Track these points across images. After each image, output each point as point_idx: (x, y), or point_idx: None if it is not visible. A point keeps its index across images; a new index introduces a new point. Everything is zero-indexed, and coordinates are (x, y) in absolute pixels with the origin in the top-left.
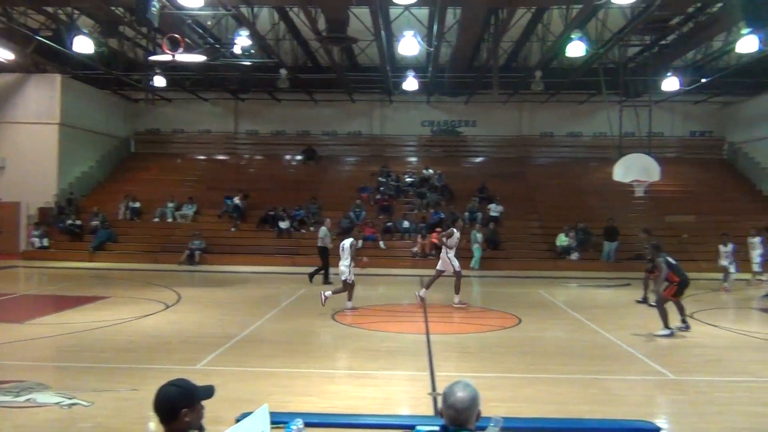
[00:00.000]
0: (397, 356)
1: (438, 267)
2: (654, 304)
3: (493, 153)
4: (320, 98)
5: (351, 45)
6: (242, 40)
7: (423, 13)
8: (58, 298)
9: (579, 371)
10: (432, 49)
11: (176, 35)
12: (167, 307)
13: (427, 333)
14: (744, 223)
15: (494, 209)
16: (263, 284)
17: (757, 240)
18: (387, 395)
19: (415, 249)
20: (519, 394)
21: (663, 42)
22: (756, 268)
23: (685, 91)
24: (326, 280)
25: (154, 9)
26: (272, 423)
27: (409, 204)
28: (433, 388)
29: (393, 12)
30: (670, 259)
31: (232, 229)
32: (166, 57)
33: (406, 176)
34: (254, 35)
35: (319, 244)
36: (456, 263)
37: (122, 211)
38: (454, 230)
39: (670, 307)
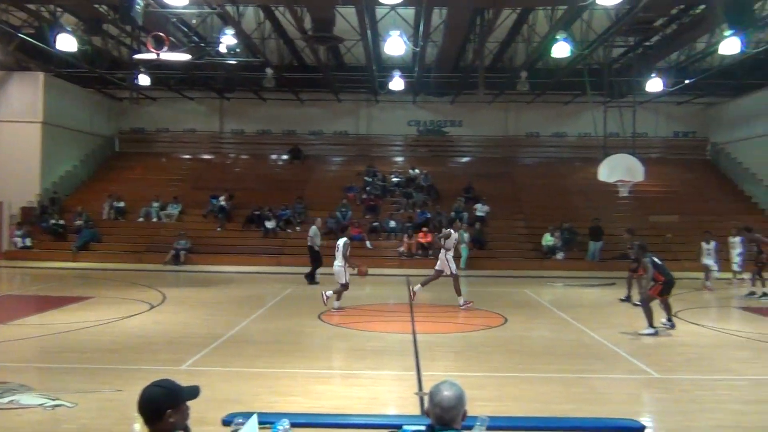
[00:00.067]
0: (383, 356)
1: (437, 267)
2: (638, 303)
3: (479, 153)
4: (306, 98)
5: (337, 44)
6: (227, 39)
7: (409, 13)
8: (41, 298)
9: (564, 370)
10: (418, 49)
11: (161, 34)
12: (152, 307)
13: (414, 333)
14: (726, 223)
15: (480, 209)
16: (249, 284)
17: (737, 240)
18: (374, 395)
19: (402, 249)
20: (505, 393)
21: (647, 43)
22: (736, 267)
23: (669, 92)
24: (312, 280)
25: (138, 7)
26: (258, 423)
27: (396, 204)
28: (420, 388)
29: (379, 12)
30: (656, 259)
31: (218, 229)
32: (150, 55)
33: (392, 176)
34: (240, 34)
35: (308, 244)
36: (453, 265)
37: (106, 211)
38: (452, 231)
39: (655, 307)
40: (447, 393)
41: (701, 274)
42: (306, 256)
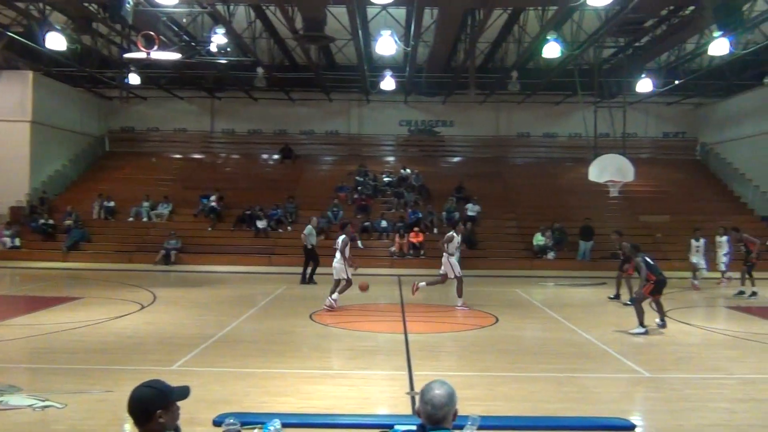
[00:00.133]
0: (375, 356)
1: (441, 271)
2: (628, 302)
3: (470, 153)
4: (297, 97)
5: (328, 44)
6: (218, 38)
7: (400, 12)
8: (30, 298)
9: (555, 369)
10: (409, 49)
11: (151, 33)
12: (142, 307)
13: (405, 332)
14: (716, 223)
15: (471, 209)
16: (240, 284)
17: (724, 239)
18: (365, 395)
19: (393, 249)
20: (496, 392)
21: (637, 44)
22: (722, 267)
23: (659, 92)
24: (303, 280)
25: (128, 6)
26: (250, 423)
27: (387, 203)
28: (411, 388)
29: (370, 12)
30: (648, 259)
31: (209, 229)
32: (140, 54)
33: (383, 176)
34: (230, 33)
35: (303, 242)
36: (457, 268)
37: (96, 211)
38: (455, 234)
39: (646, 307)
40: (438, 392)
41: (690, 273)
42: (298, 255)
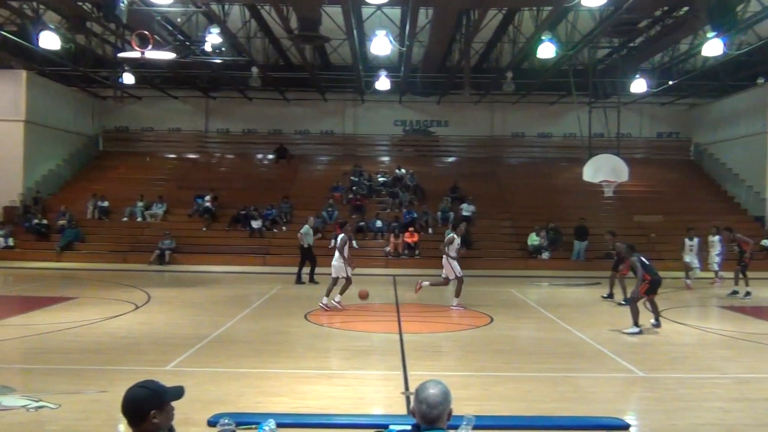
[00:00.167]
0: (370, 356)
1: (443, 275)
2: (623, 302)
3: (465, 153)
4: (292, 97)
5: (323, 44)
6: (213, 38)
7: (395, 12)
8: (23, 299)
9: (550, 369)
10: (404, 49)
11: (145, 32)
12: (137, 307)
13: (400, 332)
14: (709, 223)
15: (466, 209)
16: (235, 284)
17: (716, 239)
18: (360, 395)
19: (388, 249)
20: (491, 392)
21: (631, 44)
22: (715, 267)
23: (653, 93)
24: (299, 280)
25: (122, 5)
26: (245, 424)
27: (382, 203)
28: (406, 388)
29: (365, 11)
30: (644, 259)
31: (204, 229)
32: (134, 54)
33: (378, 176)
34: (225, 33)
35: (300, 242)
36: (458, 269)
37: (90, 210)
38: (455, 236)
39: (640, 306)
40: (432, 390)
41: (683, 273)
42: (292, 255)
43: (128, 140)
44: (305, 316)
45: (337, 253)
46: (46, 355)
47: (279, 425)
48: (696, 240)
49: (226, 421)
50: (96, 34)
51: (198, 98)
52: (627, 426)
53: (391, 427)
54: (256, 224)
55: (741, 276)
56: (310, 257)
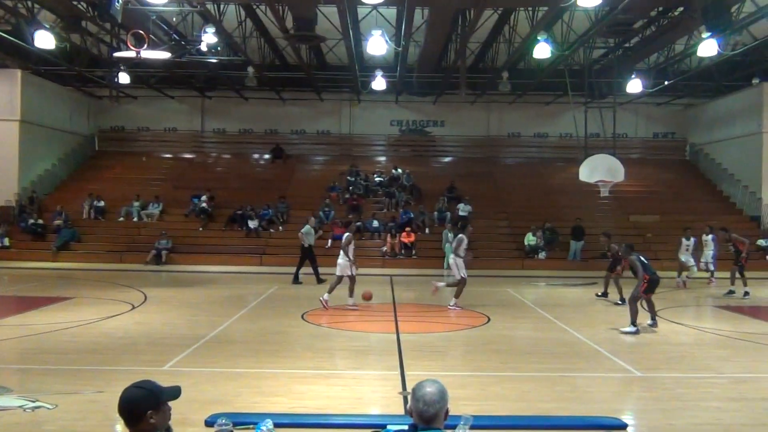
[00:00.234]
0: (367, 356)
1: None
2: (619, 302)
3: (462, 153)
4: (288, 97)
5: (319, 44)
6: (208, 37)
7: (391, 12)
8: (20, 299)
9: (547, 369)
10: (400, 49)
11: (141, 31)
12: (133, 307)
13: (397, 332)
14: (705, 223)
15: (463, 209)
16: (231, 284)
17: (709, 238)
18: (357, 395)
19: (385, 248)
20: (488, 392)
21: (627, 45)
22: (710, 267)
23: (648, 93)
24: (296, 280)
25: (117, 4)
26: (242, 424)
27: (378, 203)
28: (404, 388)
29: (361, 11)
30: (642, 258)
31: (200, 229)
32: (130, 53)
33: (374, 175)
34: (221, 32)
35: (301, 241)
36: (464, 271)
37: (86, 210)
38: (464, 237)
39: (639, 306)
40: (429, 389)
41: (676, 273)
42: (289, 255)
43: (124, 140)
44: (302, 316)
45: (342, 252)
46: (42, 356)
47: (276, 425)
48: (693, 240)
49: (224, 421)
50: (91, 34)
51: (194, 98)
52: (624, 425)
53: (389, 427)
54: (252, 224)
55: (739, 276)
56: (311, 257)
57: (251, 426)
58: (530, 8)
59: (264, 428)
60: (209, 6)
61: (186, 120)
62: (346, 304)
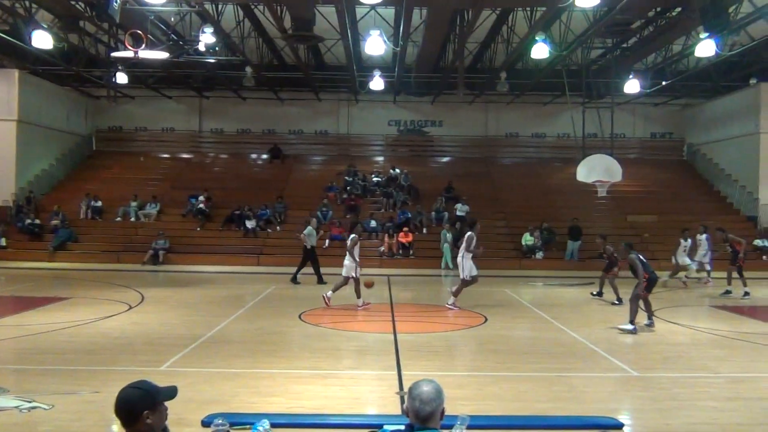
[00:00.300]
0: (364, 356)
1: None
2: (616, 302)
3: (459, 153)
4: (286, 97)
5: (317, 44)
6: (206, 38)
7: (389, 12)
8: (16, 299)
9: (544, 369)
10: (398, 49)
11: (138, 31)
12: (130, 307)
13: (394, 332)
14: (700, 222)
15: (460, 209)
16: (229, 284)
17: (703, 237)
18: (354, 395)
19: (382, 248)
20: (485, 392)
21: (624, 45)
22: (706, 266)
23: (646, 93)
24: (295, 280)
25: (115, 4)
26: (239, 424)
27: (376, 203)
28: (401, 388)
29: (359, 11)
30: (642, 257)
31: (198, 229)
32: (128, 53)
33: (372, 176)
34: (219, 32)
35: (303, 243)
36: (467, 271)
37: (83, 210)
38: (474, 235)
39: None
40: (426, 388)
41: (670, 272)
42: (287, 256)
43: (122, 140)
44: (300, 316)
45: (348, 253)
46: (39, 356)
47: (273, 425)
48: (690, 241)
49: (220, 421)
50: (89, 34)
51: (192, 98)
52: (621, 425)
53: (386, 427)
54: (250, 224)
55: (737, 276)
56: (313, 258)
57: (248, 426)
58: (528, 8)
59: (261, 428)
60: (207, 6)
61: (184, 120)
62: (356, 305)
